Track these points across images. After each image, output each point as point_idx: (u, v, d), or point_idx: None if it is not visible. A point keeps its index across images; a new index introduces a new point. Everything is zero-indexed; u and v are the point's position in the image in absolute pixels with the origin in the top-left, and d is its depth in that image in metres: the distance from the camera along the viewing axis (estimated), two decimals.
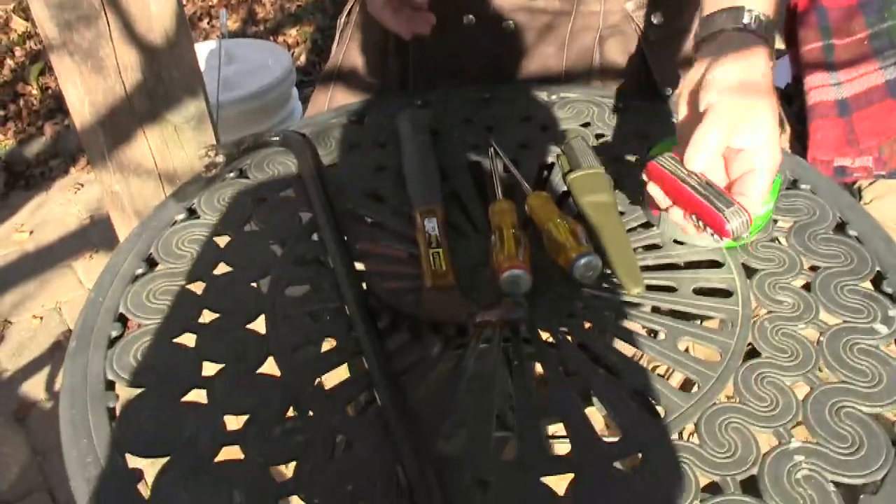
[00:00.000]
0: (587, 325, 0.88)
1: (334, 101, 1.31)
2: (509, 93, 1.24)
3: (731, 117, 0.81)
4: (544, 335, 0.87)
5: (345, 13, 1.31)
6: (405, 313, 0.87)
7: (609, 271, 0.92)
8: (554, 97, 1.23)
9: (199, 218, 1.03)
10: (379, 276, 0.93)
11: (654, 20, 1.20)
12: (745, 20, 0.85)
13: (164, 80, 1.30)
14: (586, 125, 1.18)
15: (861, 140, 1.60)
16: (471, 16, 1.19)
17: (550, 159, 1.12)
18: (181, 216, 1.03)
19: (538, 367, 0.83)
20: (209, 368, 0.82)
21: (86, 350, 0.85)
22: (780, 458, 0.72)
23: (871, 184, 1.65)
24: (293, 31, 3.62)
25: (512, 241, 0.92)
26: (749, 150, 0.81)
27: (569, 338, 0.86)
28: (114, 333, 0.87)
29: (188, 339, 0.85)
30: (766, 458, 0.72)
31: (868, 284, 0.91)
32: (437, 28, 1.17)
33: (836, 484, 0.69)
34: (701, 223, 0.83)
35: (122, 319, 0.89)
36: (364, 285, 0.90)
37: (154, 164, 1.37)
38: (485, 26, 1.20)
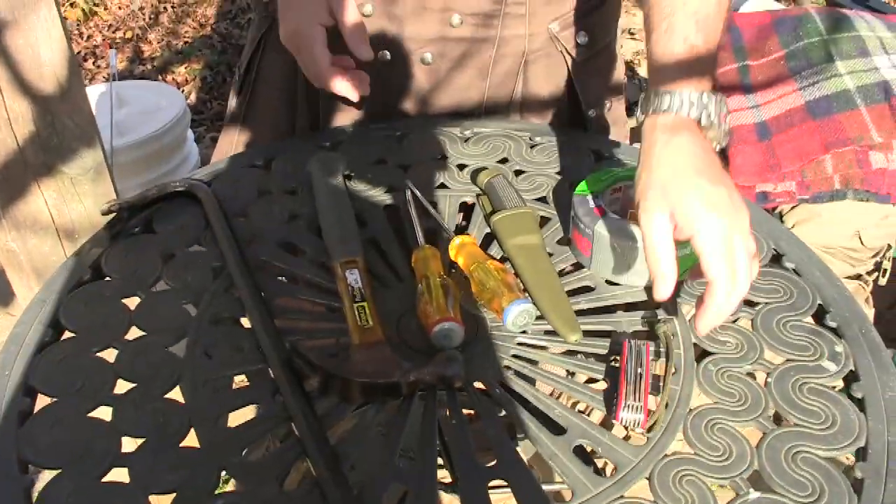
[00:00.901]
0: (523, 376, 0.83)
1: (240, 146, 1.25)
2: (421, 130, 1.19)
3: (658, 216, 0.80)
4: (480, 386, 0.82)
5: (245, 60, 1.24)
6: (333, 374, 0.80)
7: (543, 317, 0.88)
8: (468, 132, 1.19)
9: (105, 278, 0.95)
10: (301, 334, 0.87)
11: (580, 40, 1.17)
12: (665, 106, 0.84)
13: (58, 130, 1.21)
14: (504, 161, 1.14)
15: (783, 164, 1.59)
16: (385, 52, 1.14)
17: (470, 199, 1.07)
18: (86, 276, 0.95)
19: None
20: (129, 444, 0.75)
21: None
22: None
23: (792, 209, 1.65)
24: (182, 69, 3.53)
25: (440, 290, 0.87)
26: (692, 239, 0.79)
27: (506, 392, 0.81)
28: (24, 409, 0.79)
29: (104, 413, 0.78)
30: None
31: (810, 319, 0.89)
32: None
33: None
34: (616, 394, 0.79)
35: (32, 393, 0.81)
36: (287, 345, 0.84)
37: (51, 220, 1.28)
38: (400, 62, 1.15)
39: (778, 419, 0.78)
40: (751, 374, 0.82)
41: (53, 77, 1.18)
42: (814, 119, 1.61)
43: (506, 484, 0.72)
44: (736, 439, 0.75)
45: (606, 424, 0.80)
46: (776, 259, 0.97)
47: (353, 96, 1.08)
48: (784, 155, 1.59)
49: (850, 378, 0.82)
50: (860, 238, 1.64)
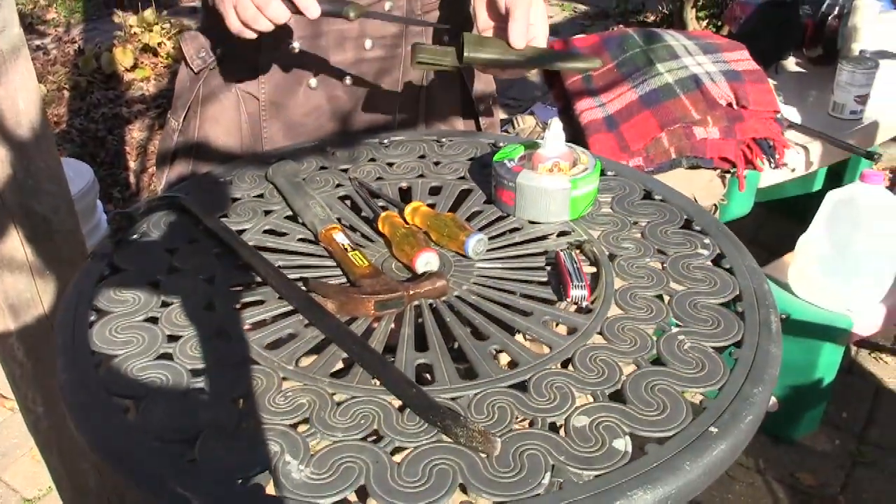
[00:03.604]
0: (489, 287, 1.10)
1: (197, 172, 1.47)
2: (348, 145, 1.45)
3: None
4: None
5: (189, 99, 1.47)
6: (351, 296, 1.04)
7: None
8: (386, 141, 1.46)
9: (124, 271, 1.14)
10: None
11: None
12: None
13: (32, 172, 1.38)
14: (422, 157, 1.41)
15: (631, 145, 2.00)
16: (312, 79, 1.40)
17: (405, 184, 1.34)
18: (106, 272, 1.14)
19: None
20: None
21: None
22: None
23: None
24: None
25: (413, 235, 1.13)
26: None
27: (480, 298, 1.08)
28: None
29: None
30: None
31: (681, 228, 1.20)
32: (287, 97, 1.38)
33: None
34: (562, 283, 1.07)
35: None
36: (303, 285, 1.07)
37: (25, 257, 1.43)
38: (326, 86, 1.41)
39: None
40: (651, 266, 1.12)
41: (29, 124, 1.36)
42: (648, 108, 2.04)
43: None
44: (654, 301, 1.05)
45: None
46: (648, 195, 1.29)
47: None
48: (630, 138, 2.01)
49: (719, 258, 1.14)
50: (695, 200, 2.05)
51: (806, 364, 2.16)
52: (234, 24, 1.21)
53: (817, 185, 2.87)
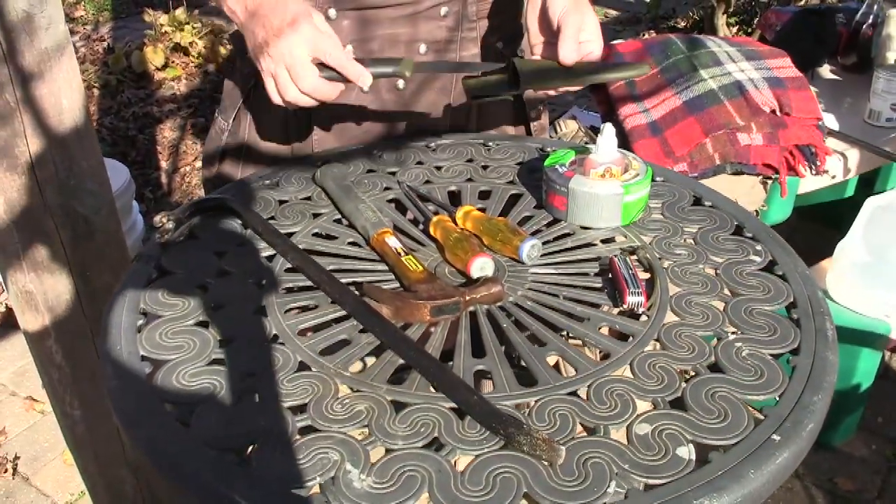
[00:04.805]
0: (545, 293, 1.08)
1: (245, 173, 1.46)
2: (394, 148, 1.44)
3: None
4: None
5: (239, 100, 1.46)
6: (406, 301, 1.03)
7: None
8: (433, 144, 1.45)
9: (172, 274, 1.14)
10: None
11: (519, 53, 1.46)
12: None
13: (75, 172, 1.37)
14: (470, 161, 1.40)
15: (675, 151, 1.99)
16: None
17: (454, 188, 1.33)
18: (154, 275, 1.13)
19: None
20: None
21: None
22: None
23: None
24: None
25: (466, 239, 1.12)
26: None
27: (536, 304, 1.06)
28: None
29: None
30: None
31: (733, 235, 1.19)
32: (339, 99, 1.37)
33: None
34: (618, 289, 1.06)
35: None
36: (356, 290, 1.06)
37: (66, 258, 1.42)
38: (377, 90, 1.40)
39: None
40: (704, 272, 1.11)
41: (73, 122, 1.35)
42: (692, 114, 2.04)
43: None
44: (709, 307, 1.03)
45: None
46: (698, 201, 1.27)
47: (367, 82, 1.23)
48: (675, 144, 2.00)
49: (771, 264, 1.12)
50: None
51: (845, 370, 2.14)
52: (276, 98, 1.23)
53: (850, 192, 2.85)
